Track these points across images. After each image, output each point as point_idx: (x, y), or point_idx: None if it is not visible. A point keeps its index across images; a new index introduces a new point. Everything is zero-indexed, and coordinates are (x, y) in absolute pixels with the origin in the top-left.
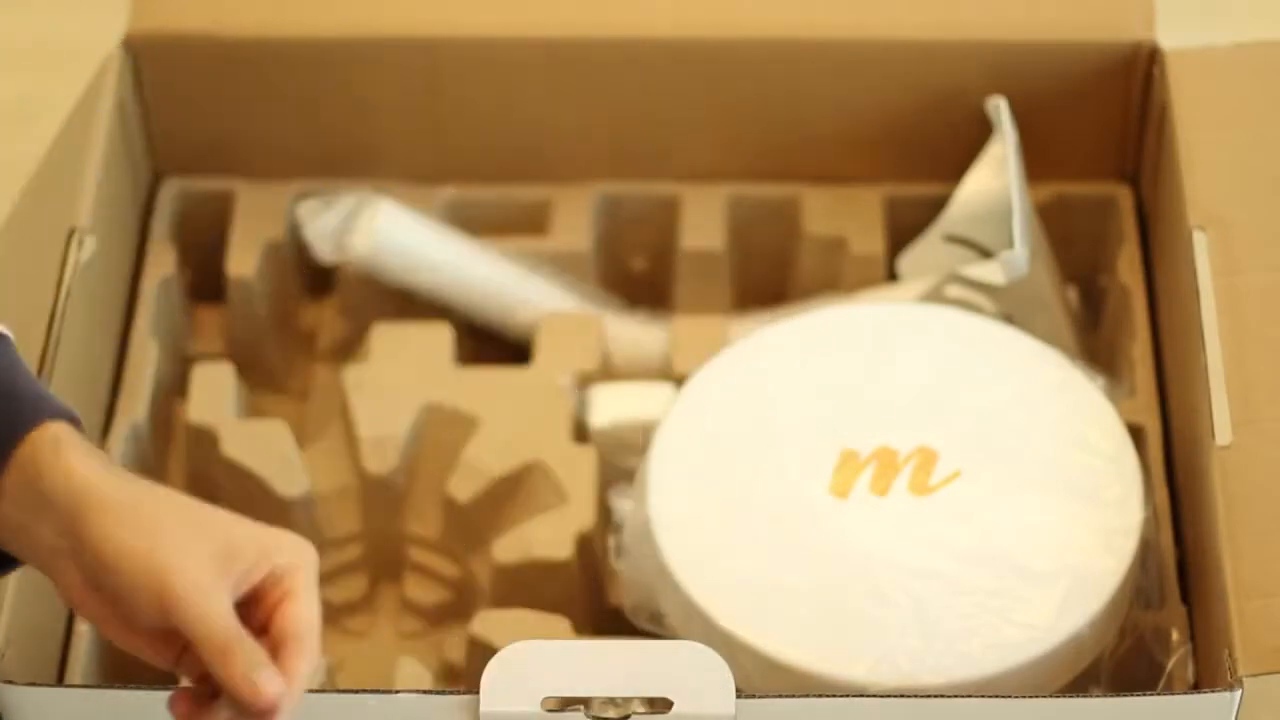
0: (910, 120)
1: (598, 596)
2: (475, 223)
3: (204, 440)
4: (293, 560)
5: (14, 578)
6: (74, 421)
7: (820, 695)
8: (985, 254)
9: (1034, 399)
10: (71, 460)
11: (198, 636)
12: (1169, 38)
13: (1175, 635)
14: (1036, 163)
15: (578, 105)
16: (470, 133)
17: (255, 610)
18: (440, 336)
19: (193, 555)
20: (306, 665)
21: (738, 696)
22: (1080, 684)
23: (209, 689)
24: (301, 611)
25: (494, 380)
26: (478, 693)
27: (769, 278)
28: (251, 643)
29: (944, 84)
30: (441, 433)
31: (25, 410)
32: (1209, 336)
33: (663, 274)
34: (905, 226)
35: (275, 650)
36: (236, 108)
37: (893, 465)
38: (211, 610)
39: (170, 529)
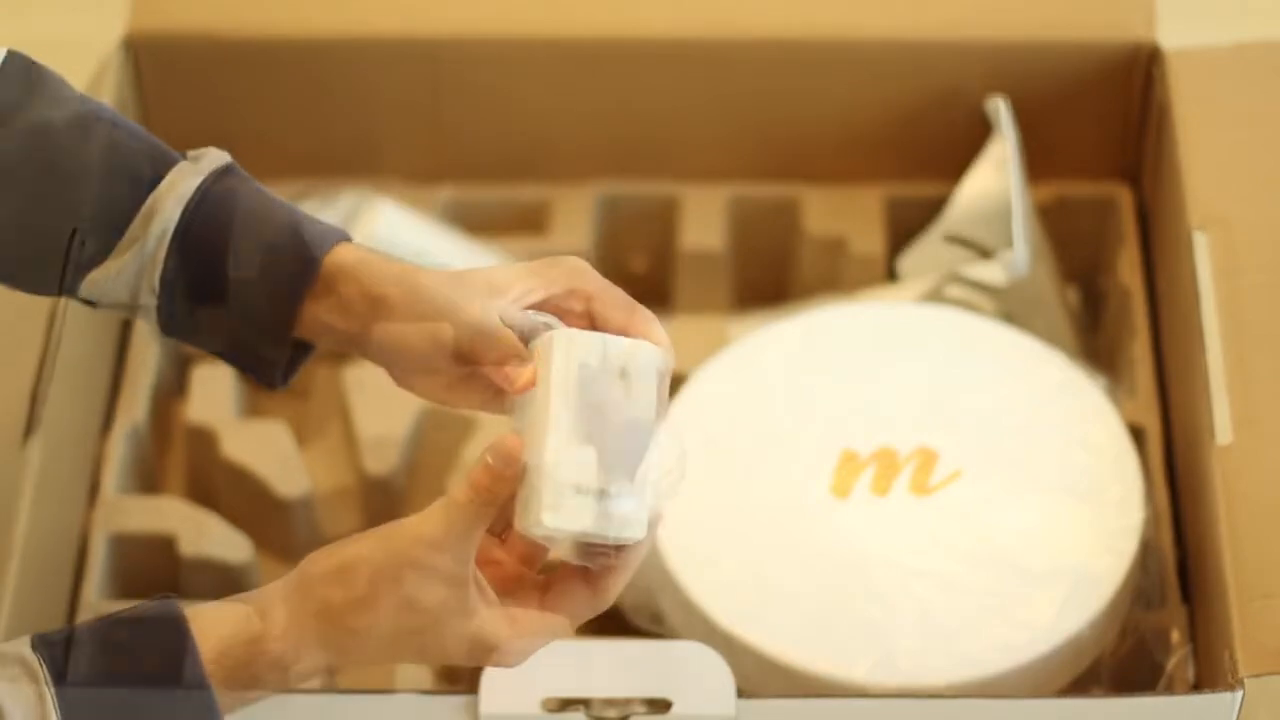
0: (910, 120)
1: None
2: (475, 223)
3: (204, 440)
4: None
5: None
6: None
7: (820, 695)
8: (985, 254)
9: (1035, 399)
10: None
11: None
12: (1169, 38)
13: (1176, 636)
14: (1036, 163)
15: (578, 105)
16: (470, 133)
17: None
18: None
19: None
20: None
21: (738, 696)
22: (1081, 684)
23: None
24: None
25: None
26: (478, 693)
27: (769, 278)
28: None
29: (944, 84)
30: (441, 433)
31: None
32: (1209, 337)
33: (663, 274)
34: (905, 226)
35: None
36: (236, 107)
37: (893, 465)
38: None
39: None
